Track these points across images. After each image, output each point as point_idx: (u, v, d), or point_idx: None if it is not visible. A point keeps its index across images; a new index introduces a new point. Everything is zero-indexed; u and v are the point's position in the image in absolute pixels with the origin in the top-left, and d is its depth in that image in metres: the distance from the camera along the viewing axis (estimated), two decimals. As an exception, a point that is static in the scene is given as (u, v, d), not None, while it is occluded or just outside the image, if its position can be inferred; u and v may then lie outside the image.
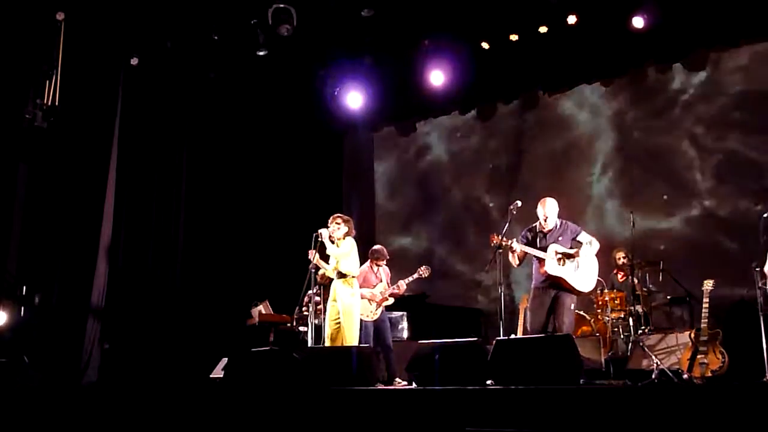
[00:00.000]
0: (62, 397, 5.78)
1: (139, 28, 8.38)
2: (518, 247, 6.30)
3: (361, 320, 7.56)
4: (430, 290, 9.78)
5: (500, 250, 6.30)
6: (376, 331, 7.79)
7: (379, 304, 7.77)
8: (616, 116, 9.29)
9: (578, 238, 6.48)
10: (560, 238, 6.44)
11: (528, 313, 6.44)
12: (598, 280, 6.63)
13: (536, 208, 6.55)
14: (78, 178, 8.34)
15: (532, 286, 6.50)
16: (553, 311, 6.31)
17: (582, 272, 6.33)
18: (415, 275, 7.94)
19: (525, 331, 7.34)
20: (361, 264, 7.52)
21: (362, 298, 7.66)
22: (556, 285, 6.32)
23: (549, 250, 6.32)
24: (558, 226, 6.50)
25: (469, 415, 4.39)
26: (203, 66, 9.25)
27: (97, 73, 8.50)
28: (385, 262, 8.01)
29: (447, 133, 10.65)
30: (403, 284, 7.91)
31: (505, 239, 6.32)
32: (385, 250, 8.08)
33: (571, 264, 6.32)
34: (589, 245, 6.43)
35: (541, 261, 6.34)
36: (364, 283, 7.79)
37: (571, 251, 6.37)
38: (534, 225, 6.55)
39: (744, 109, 8.33)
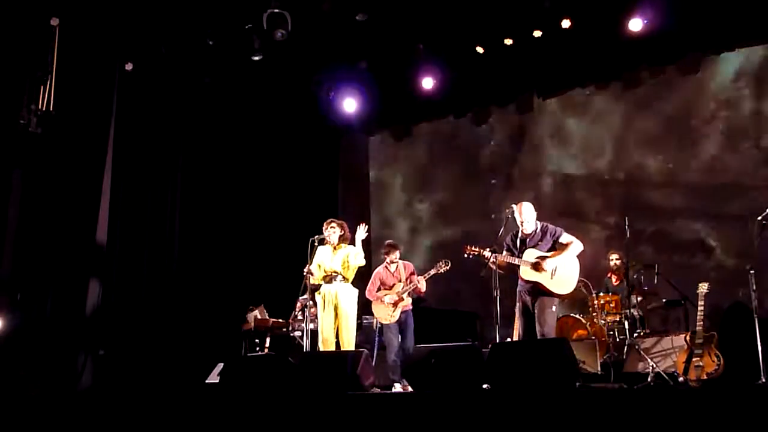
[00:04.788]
0: (57, 404, 5.76)
1: (134, 33, 8.37)
2: (491, 256, 6.20)
3: (380, 324, 7.52)
4: (426, 294, 9.76)
5: (491, 261, 6.22)
6: (401, 334, 7.49)
7: (395, 305, 7.40)
8: (612, 119, 9.32)
9: (560, 240, 6.35)
10: (540, 242, 6.34)
11: (517, 319, 6.43)
12: (581, 280, 6.55)
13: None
14: (73, 184, 8.31)
15: (517, 290, 6.44)
16: (535, 315, 6.27)
17: (560, 275, 6.20)
18: (433, 271, 7.42)
19: (519, 336, 7.36)
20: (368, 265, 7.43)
21: (379, 303, 7.52)
22: (537, 290, 6.26)
23: (525, 255, 6.27)
24: (537, 230, 6.41)
25: (465, 419, 4.39)
26: (198, 71, 9.23)
27: (92, 79, 8.46)
28: (398, 254, 7.63)
29: (442, 137, 10.65)
30: (421, 281, 7.45)
31: (479, 250, 6.29)
32: (392, 243, 7.75)
33: (548, 268, 6.20)
34: (570, 246, 6.30)
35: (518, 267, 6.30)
36: (383, 286, 7.57)
37: (547, 254, 6.27)
38: (517, 231, 6.47)
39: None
